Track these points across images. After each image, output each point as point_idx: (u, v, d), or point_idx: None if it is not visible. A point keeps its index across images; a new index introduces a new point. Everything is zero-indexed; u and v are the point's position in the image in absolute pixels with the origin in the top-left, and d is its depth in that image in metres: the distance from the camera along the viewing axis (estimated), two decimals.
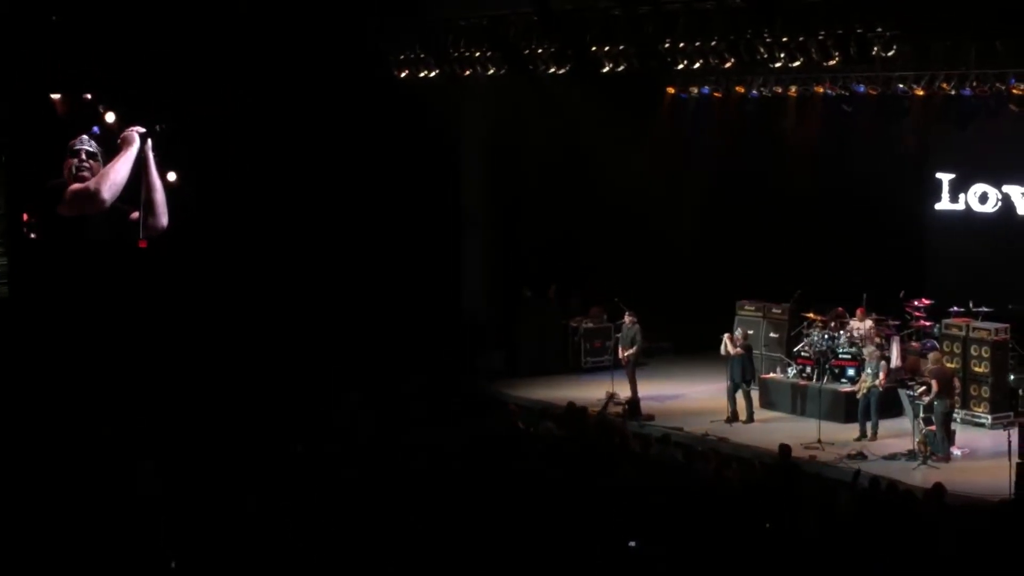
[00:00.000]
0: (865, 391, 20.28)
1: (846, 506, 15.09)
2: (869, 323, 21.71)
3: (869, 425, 20.17)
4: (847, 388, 21.17)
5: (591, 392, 22.39)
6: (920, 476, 18.00)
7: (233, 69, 23.79)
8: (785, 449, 16.98)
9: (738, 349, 21.40)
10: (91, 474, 14.85)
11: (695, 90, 25.35)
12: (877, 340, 21.63)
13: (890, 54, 18.30)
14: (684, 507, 14.45)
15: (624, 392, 22.23)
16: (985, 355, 20.84)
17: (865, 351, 20.99)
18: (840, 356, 21.61)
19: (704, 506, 14.52)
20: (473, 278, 25.46)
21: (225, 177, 23.92)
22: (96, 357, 21.72)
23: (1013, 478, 17.05)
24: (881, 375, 20.32)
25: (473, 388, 22.95)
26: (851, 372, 21.45)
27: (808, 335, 22.32)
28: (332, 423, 18.05)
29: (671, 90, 25.74)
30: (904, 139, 23.56)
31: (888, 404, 20.58)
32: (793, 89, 23.89)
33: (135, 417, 17.80)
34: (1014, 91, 21.13)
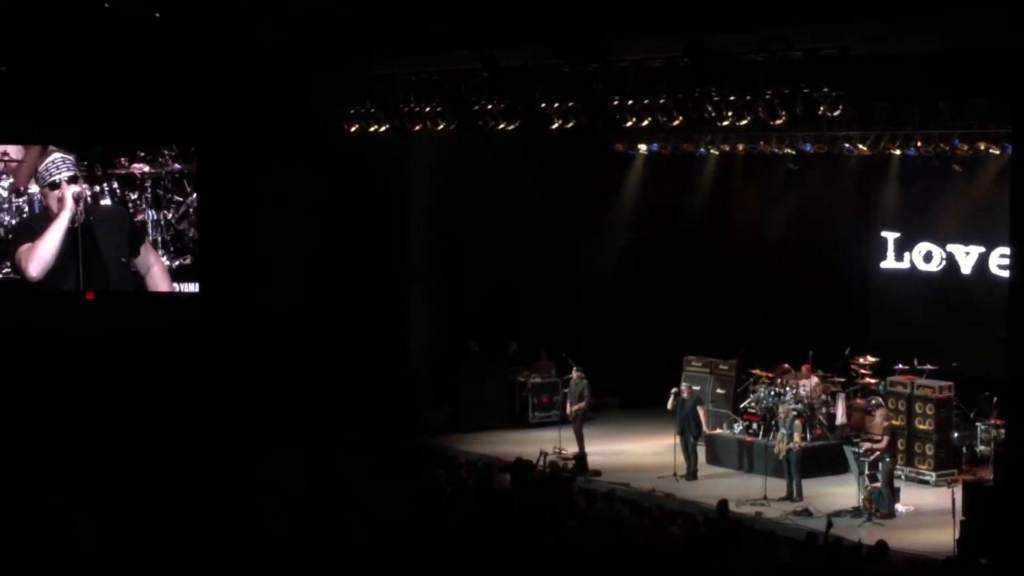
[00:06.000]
0: (784, 452, 20.24)
1: (789, 562, 15.08)
2: (815, 380, 21.76)
3: (794, 484, 20.10)
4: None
5: (538, 447, 22.23)
6: (865, 533, 17.99)
7: (183, 117, 23.79)
8: (723, 505, 16.94)
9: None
10: (28, 533, 14.62)
11: (643, 147, 25.55)
12: (823, 397, 21.72)
13: (836, 114, 18.46)
14: (628, 563, 14.40)
15: (571, 448, 22.19)
16: (929, 413, 20.92)
17: (780, 410, 21.01)
18: None
19: (648, 562, 14.48)
20: (418, 332, 25.35)
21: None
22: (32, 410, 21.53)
23: (956, 536, 17.09)
24: (796, 436, 20.26)
25: (417, 442, 22.83)
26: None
27: (755, 391, 22.36)
28: (266, 476, 17.89)
29: (619, 147, 25.91)
30: (849, 198, 23.84)
31: (834, 461, 20.62)
32: (740, 147, 24.13)
33: (72, 473, 17.58)
34: (958, 151, 21.42)
